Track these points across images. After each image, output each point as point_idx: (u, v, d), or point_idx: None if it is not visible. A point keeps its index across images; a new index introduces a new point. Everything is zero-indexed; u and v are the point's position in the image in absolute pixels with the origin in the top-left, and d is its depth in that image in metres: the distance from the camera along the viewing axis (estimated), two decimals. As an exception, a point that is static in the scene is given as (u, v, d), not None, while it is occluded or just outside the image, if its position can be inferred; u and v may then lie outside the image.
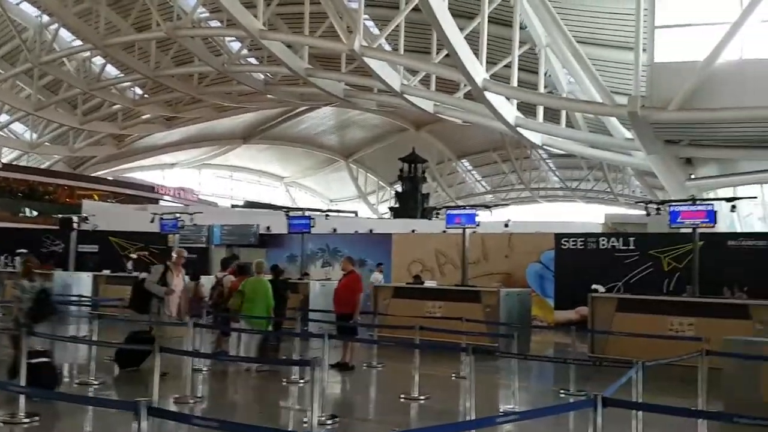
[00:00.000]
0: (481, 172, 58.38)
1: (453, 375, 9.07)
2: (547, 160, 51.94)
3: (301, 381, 8.51)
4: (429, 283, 13.35)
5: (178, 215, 21.22)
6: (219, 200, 52.33)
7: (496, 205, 31.33)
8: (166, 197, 45.97)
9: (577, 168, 51.05)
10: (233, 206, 43.74)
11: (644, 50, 17.47)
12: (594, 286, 12.72)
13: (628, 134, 20.11)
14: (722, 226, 19.76)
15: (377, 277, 17.41)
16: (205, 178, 58.86)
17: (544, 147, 24.95)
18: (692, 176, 21.09)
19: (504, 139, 45.53)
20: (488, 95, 19.28)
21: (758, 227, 22.22)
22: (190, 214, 23.33)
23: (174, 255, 9.39)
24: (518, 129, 21.18)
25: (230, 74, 28.10)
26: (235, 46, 28.23)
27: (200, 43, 26.49)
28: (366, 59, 20.53)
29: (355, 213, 36.00)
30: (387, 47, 24.51)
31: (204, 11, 27.21)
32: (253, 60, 30.42)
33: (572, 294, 16.11)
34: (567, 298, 16.98)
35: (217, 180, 60.02)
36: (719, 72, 16.54)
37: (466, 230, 13.79)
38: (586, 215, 49.42)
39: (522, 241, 19.65)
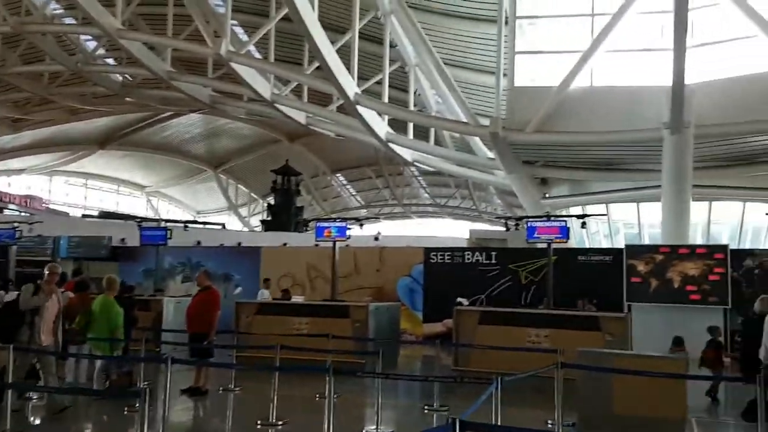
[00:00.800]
0: (355, 187, 58.77)
1: (317, 396, 8.72)
2: (419, 177, 53.39)
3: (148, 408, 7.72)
4: (296, 299, 12.83)
5: (16, 224, 19.06)
6: (72, 210, 48.19)
7: (367, 218, 31.47)
8: (11, 206, 41.53)
9: (445, 186, 52.90)
10: (84, 216, 40.38)
11: (505, 75, 18.38)
12: (458, 299, 12.98)
13: (490, 154, 21.03)
14: (573, 242, 21.18)
15: (264, 294, 16.37)
16: (56, 186, 54.03)
17: (415, 163, 25.48)
18: (547, 195, 22.45)
19: (378, 155, 46.17)
20: (360, 109, 19.33)
21: (605, 244, 24.04)
22: (30, 223, 21.10)
23: (46, 272, 7.95)
24: (390, 144, 21.44)
25: (85, 74, 26.02)
26: (92, 44, 26.20)
27: (52, 40, 24.31)
28: (233, 65, 19.84)
29: (223, 225, 34.60)
30: (258, 55, 23.91)
31: (58, 7, 25.05)
32: (110, 60, 28.41)
33: (440, 307, 16.47)
34: (435, 311, 17.33)
35: (70, 188, 55.31)
36: (572, 98, 17.76)
37: (337, 243, 13.53)
38: (454, 231, 51.34)
39: (393, 255, 19.78)
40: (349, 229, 13.31)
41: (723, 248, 15.91)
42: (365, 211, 58.81)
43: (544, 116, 17.48)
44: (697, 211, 19.96)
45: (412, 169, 47.79)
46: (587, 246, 22.43)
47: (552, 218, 11.60)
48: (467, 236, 28.82)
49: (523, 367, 6.34)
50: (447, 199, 55.20)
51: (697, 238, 21.15)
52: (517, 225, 14.15)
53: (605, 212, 21.77)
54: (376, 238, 21.97)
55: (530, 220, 11.87)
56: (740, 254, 15.96)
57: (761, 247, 20.71)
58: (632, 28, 18.07)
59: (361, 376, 8.09)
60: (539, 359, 7.84)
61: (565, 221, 11.64)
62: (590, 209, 21.83)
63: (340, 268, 18.62)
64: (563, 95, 17.42)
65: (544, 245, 12.67)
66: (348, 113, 20.71)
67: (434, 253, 18.68)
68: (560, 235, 11.46)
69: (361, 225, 16.19)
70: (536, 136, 18.06)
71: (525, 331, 10.51)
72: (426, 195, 57.89)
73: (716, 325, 10.43)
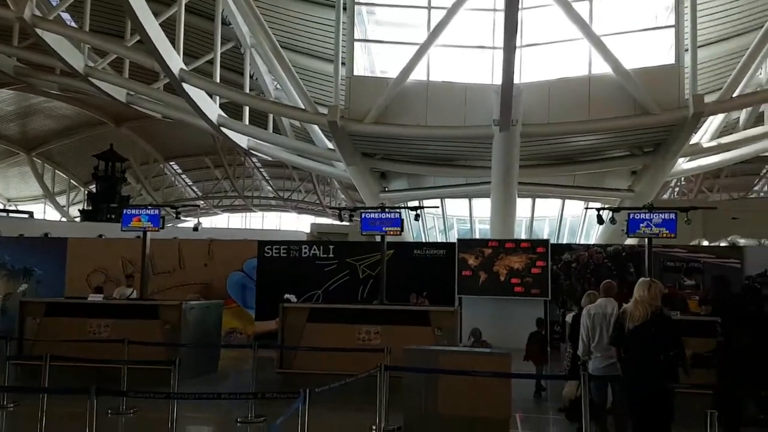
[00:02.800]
0: (192, 177, 55.48)
1: (109, 411, 7.44)
2: (261, 169, 51.68)
3: None
4: (93, 297, 10.98)
5: None
6: None
7: (183, 206, 29.22)
8: None
9: (289, 178, 51.78)
10: None
11: (344, 63, 17.87)
12: (286, 296, 12.15)
13: (330, 144, 20.45)
14: (411, 237, 21.28)
15: (125, 292, 13.94)
16: None
17: (252, 152, 24.19)
18: (386, 188, 22.38)
19: (217, 144, 43.79)
20: (187, 88, 17.74)
21: (440, 239, 24.59)
22: None
23: None
24: (222, 129, 20.00)
25: None
26: None
27: None
28: (40, 31, 17.26)
29: (30, 214, 30.58)
30: (73, 25, 21.20)
31: None
32: None
33: (274, 304, 15.45)
34: (268, 308, 16.28)
35: None
36: (410, 91, 17.69)
37: (148, 233, 11.96)
38: (298, 225, 50.40)
39: (223, 248, 18.38)
40: (163, 216, 11.71)
41: (544, 243, 16.70)
42: (203, 202, 55.84)
43: (382, 108, 17.21)
44: (523, 207, 20.98)
45: (254, 159, 46.08)
46: (424, 241, 22.72)
47: (386, 209, 11.20)
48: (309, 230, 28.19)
49: (351, 367, 5.80)
50: (291, 192, 54.14)
51: (522, 233, 22.26)
52: (351, 217, 13.65)
53: (438, 205, 22.12)
54: (195, 229, 20.37)
55: (365, 211, 11.37)
56: (559, 248, 16.82)
57: (577, 242, 22.31)
58: (467, 25, 18.41)
59: (134, 397, 6.90)
60: (368, 359, 7.30)
61: (399, 212, 11.30)
62: (426, 204, 22.14)
63: (163, 262, 17.03)
64: (401, 88, 17.26)
65: (383, 239, 12.33)
66: (176, 93, 18.96)
67: (268, 247, 17.63)
68: (395, 227, 11.11)
69: (177, 214, 14.66)
70: (374, 128, 17.77)
71: (356, 328, 9.97)
72: (269, 188, 56.36)
73: (542, 317, 10.65)
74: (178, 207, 14.51)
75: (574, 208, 22.49)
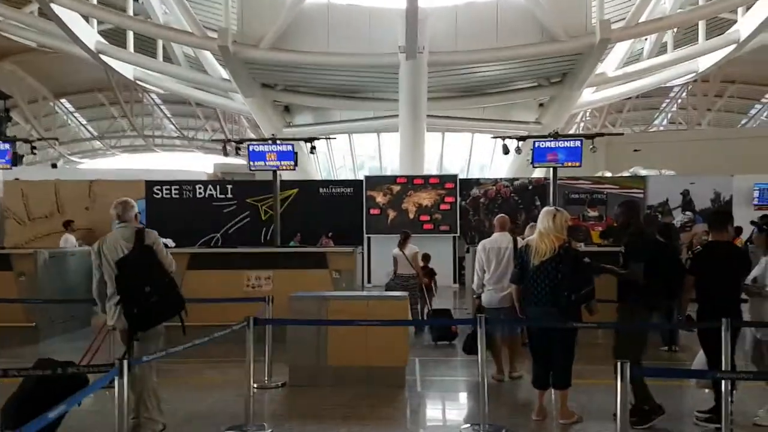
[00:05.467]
0: (86, 115, 51.27)
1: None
2: (161, 106, 48.34)
3: None
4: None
5: None
6: None
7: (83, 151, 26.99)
8: None
9: (193, 116, 48.88)
10: None
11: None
12: (163, 241, 10.97)
13: (226, 75, 18.79)
14: (319, 175, 20.23)
15: (71, 240, 11.95)
16: None
17: (139, 83, 22.02)
18: (290, 123, 21.08)
19: (110, 79, 40.26)
20: (57, 9, 15.54)
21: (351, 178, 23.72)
22: None
23: None
24: (101, 56, 17.87)
25: None
26: None
27: None
28: None
29: None
30: None
31: None
32: None
33: (164, 250, 14.23)
34: (158, 254, 14.99)
35: None
36: (310, 14, 16.30)
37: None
38: (203, 165, 47.90)
39: (106, 189, 16.70)
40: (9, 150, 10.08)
41: (453, 178, 16.22)
42: (100, 143, 52.00)
43: (279, 32, 15.77)
44: (433, 141, 20.37)
45: (153, 96, 42.90)
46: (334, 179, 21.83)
47: (278, 141, 10.12)
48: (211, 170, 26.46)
49: (237, 318, 4.98)
50: (196, 131, 51.24)
51: (432, 169, 21.75)
52: (237, 150, 12.44)
53: (334, 137, 21.07)
54: (54, 166, 18.49)
55: (252, 143, 10.24)
56: (468, 183, 16.41)
57: (486, 177, 22.10)
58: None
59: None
60: (258, 307, 6.44)
61: (292, 145, 10.26)
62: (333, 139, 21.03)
63: (38, 206, 15.39)
64: (299, 9, 15.82)
65: (285, 177, 11.33)
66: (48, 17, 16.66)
67: (158, 187, 16.22)
68: (289, 161, 10.08)
69: (34, 150, 12.92)
70: (271, 54, 16.36)
71: (244, 274, 9.03)
72: (172, 126, 53.06)
73: (428, 253, 10.10)
74: (33, 140, 12.68)
75: (485, 142, 22.13)
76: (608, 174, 20.78)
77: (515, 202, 16.09)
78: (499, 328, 6.46)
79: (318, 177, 18.87)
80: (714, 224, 5.19)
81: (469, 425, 5.09)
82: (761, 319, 5.08)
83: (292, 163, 10.04)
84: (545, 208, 5.30)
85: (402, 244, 9.53)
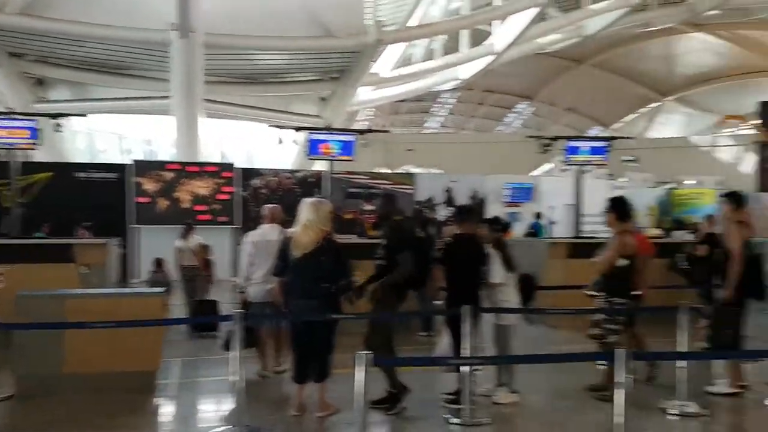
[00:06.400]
0: None
1: None
2: None
3: None
4: None
5: None
6: None
7: None
8: None
9: None
10: None
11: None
12: None
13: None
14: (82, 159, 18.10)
15: None
16: None
17: None
18: (43, 98, 18.54)
19: None
20: None
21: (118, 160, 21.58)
22: None
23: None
24: None
25: None
26: None
27: None
28: None
29: None
30: None
31: None
32: None
33: None
34: None
35: None
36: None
37: None
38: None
39: None
40: None
41: (230, 167, 15.65)
42: None
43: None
44: (211, 128, 19.44)
45: None
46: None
47: (14, 116, 8.66)
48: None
49: None
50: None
51: (212, 156, 20.80)
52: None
53: (85, 115, 19.17)
54: None
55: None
56: (249, 173, 15.96)
57: (267, 167, 21.71)
58: None
59: None
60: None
61: (36, 121, 8.83)
62: (98, 119, 19.02)
63: None
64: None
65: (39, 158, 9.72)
66: None
67: None
68: (29, 138, 8.64)
69: None
70: (19, 19, 14.16)
71: (-35, 271, 7.58)
72: None
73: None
74: None
75: (265, 132, 21.74)
76: (385, 170, 21.80)
77: (297, 194, 16.02)
78: (263, 323, 6.23)
79: (78, 159, 16.84)
80: (460, 218, 5.53)
81: (222, 428, 4.78)
82: (495, 306, 5.53)
83: (34, 141, 8.66)
84: (307, 200, 5.17)
85: (185, 235, 8.88)
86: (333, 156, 10.09)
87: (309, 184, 15.81)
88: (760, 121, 23.92)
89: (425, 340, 7.89)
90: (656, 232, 17.51)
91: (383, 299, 5.15)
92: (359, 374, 3.20)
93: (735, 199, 5.87)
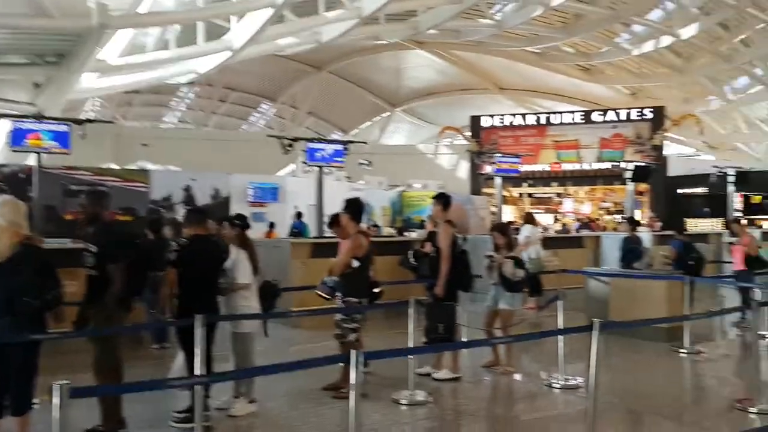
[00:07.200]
0: None
1: None
2: None
3: None
4: None
5: None
6: None
7: None
8: None
9: None
10: None
11: None
12: None
13: None
14: None
15: None
16: None
17: None
18: None
19: None
20: None
21: None
22: None
23: None
24: None
25: None
26: None
27: None
28: None
29: None
30: None
31: None
32: None
33: None
34: None
35: None
36: None
37: None
38: None
39: None
40: None
41: None
42: None
43: None
44: None
45: None
46: None
47: None
48: None
49: None
50: None
51: None
52: None
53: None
54: None
55: None
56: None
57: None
58: None
59: None
60: None
61: None
62: None
63: None
64: None
65: None
66: None
67: None
68: None
69: None
70: None
71: None
72: None
73: None
74: None
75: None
76: (115, 166, 19.78)
77: (4, 191, 13.55)
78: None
79: None
80: (192, 220, 5.13)
81: None
82: (233, 312, 5.24)
83: None
84: (1, 199, 4.28)
85: None
86: (44, 148, 8.71)
87: (20, 181, 13.51)
88: (469, 133, 27.62)
89: (159, 354, 7.24)
90: (390, 230, 18.94)
91: (105, 319, 4.54)
92: (55, 411, 2.66)
93: (443, 200, 6.41)
